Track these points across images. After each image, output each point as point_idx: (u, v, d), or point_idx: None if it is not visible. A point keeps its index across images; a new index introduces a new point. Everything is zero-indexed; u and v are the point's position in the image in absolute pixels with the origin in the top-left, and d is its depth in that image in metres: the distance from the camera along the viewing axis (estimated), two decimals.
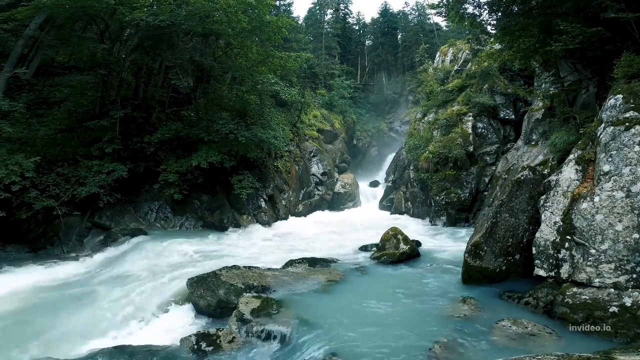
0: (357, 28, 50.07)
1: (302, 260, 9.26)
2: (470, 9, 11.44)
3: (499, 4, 10.46)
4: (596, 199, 6.00)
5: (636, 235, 5.49)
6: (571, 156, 6.97)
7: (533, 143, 13.61)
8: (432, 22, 42.85)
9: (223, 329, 6.05)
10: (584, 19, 8.20)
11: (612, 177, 5.93)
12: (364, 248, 11.23)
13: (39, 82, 14.58)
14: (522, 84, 17.97)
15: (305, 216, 19.52)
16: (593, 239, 5.88)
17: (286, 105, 22.88)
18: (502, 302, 6.65)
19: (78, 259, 10.89)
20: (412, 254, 10.00)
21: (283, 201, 18.54)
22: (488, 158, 16.74)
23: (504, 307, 6.38)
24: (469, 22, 11.58)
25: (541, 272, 6.48)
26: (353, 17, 49.10)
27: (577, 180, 6.58)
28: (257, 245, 12.19)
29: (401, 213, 19.55)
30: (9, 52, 13.00)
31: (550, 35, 8.74)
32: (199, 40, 15.75)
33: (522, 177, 7.79)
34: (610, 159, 6.05)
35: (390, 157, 28.53)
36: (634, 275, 5.41)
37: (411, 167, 19.53)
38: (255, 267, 8.45)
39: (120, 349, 5.60)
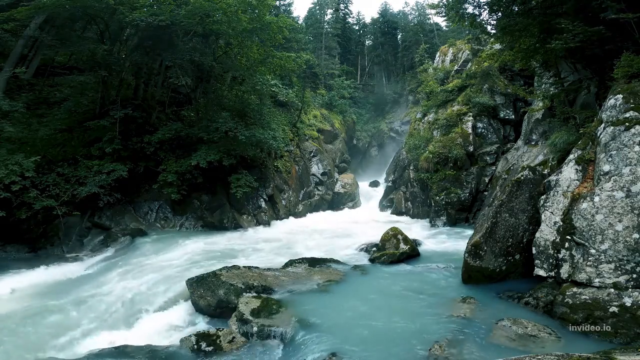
0: (357, 28, 50.02)
1: (302, 260, 9.26)
2: (470, 9, 11.45)
3: (499, 4, 10.45)
4: (596, 199, 6.00)
5: (636, 235, 5.49)
6: (571, 156, 6.97)
7: (533, 143, 13.61)
8: (432, 22, 42.80)
9: (223, 329, 6.05)
10: (584, 19, 8.21)
11: (612, 177, 5.93)
12: (364, 248, 11.22)
13: (39, 82, 14.57)
14: (522, 84, 17.96)
15: (305, 216, 19.52)
16: (593, 239, 5.88)
17: (286, 105, 22.88)
18: (502, 302, 6.66)
19: (78, 259, 10.90)
20: (412, 253, 10.00)
21: (283, 201, 18.54)
22: (488, 158, 16.74)
23: (504, 307, 6.38)
24: (469, 22, 11.57)
25: (541, 272, 6.48)
26: (353, 17, 49.07)
27: (577, 180, 6.58)
28: (257, 245, 12.18)
29: (401, 213, 19.54)
30: (9, 52, 13.00)
31: (550, 35, 8.74)
32: (199, 40, 15.75)
33: (522, 177, 7.79)
34: (610, 159, 6.05)
35: (390, 157, 28.53)
36: (634, 275, 5.41)
37: (411, 167, 19.52)
38: (255, 267, 8.45)
39: (120, 349, 5.61)
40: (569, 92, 10.24)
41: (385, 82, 43.97)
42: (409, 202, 19.33)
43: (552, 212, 6.60)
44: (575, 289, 5.84)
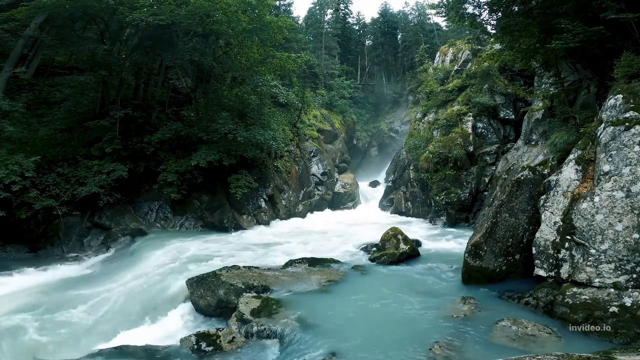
0: (357, 28, 50.02)
1: (302, 260, 9.26)
2: (470, 9, 11.46)
3: (499, 4, 10.45)
4: (596, 199, 6.00)
5: (636, 235, 5.49)
6: (571, 156, 6.97)
7: (533, 143, 13.61)
8: (432, 22, 42.80)
9: (223, 329, 6.05)
10: (584, 19, 8.21)
11: (612, 177, 5.93)
12: (364, 248, 11.22)
13: (39, 82, 14.57)
14: (522, 84, 17.96)
15: (305, 216, 19.51)
16: (593, 239, 5.87)
17: (286, 105, 22.88)
18: (502, 302, 6.65)
19: (78, 259, 10.90)
20: (412, 254, 10.00)
21: (283, 201, 18.54)
22: (488, 158, 16.74)
23: (504, 307, 6.38)
24: (469, 22, 11.58)
25: (541, 272, 6.48)
26: (353, 17, 49.07)
27: (577, 180, 6.58)
28: (257, 245, 12.18)
29: (401, 213, 19.54)
30: (9, 52, 13.00)
31: (550, 35, 8.75)
32: (199, 40, 15.75)
33: (522, 177, 7.79)
34: (610, 159, 6.05)
35: (390, 157, 28.53)
36: (634, 275, 5.41)
37: (411, 167, 19.52)
38: (255, 267, 8.45)
39: (120, 349, 5.60)
40: (569, 92, 10.24)
41: (385, 82, 43.98)
42: (409, 202, 19.34)
43: (552, 212, 6.60)
44: (575, 289, 5.84)
